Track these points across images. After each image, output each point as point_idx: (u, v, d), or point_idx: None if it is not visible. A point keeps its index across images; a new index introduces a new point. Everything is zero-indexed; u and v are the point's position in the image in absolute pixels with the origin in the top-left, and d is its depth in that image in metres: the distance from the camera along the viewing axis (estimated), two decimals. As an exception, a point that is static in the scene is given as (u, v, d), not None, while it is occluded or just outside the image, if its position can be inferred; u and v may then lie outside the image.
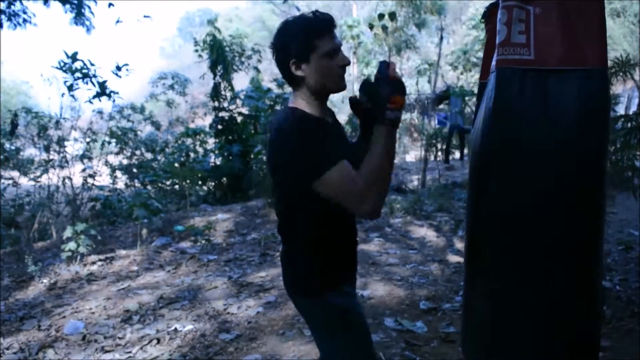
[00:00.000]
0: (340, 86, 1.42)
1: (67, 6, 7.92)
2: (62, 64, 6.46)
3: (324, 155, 1.30)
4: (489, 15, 1.80)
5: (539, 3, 1.53)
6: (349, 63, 1.41)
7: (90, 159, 7.83)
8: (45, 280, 4.28)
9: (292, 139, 1.33)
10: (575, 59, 1.50)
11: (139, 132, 9.67)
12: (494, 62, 1.63)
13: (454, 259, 4.53)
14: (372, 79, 1.42)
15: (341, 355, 1.50)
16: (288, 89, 8.53)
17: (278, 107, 7.62)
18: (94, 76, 6.64)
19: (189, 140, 9.59)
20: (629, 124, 3.26)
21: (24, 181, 7.59)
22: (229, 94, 8.95)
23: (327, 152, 1.31)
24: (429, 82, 14.76)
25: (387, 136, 1.32)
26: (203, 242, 5.20)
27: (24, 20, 7.81)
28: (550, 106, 1.52)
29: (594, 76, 1.50)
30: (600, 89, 1.51)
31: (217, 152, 9.07)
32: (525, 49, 1.53)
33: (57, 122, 7.32)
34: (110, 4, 7.20)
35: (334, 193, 1.31)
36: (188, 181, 8.16)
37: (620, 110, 9.15)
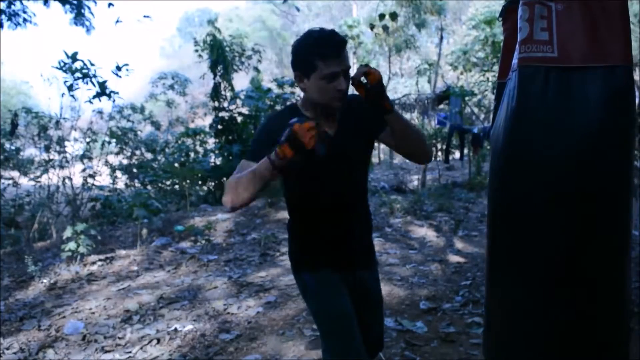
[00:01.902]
0: (334, 105, 1.51)
1: (67, 6, 7.92)
2: (62, 64, 6.46)
3: (253, 146, 1.55)
4: (506, 14, 1.77)
5: None
6: (344, 89, 1.48)
7: (90, 159, 7.83)
8: (45, 280, 4.28)
9: (260, 124, 1.63)
10: (598, 55, 1.46)
11: (139, 132, 9.67)
12: (515, 61, 1.59)
13: (454, 259, 4.53)
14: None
15: (317, 326, 1.68)
16: (288, 89, 8.57)
17: (278, 107, 7.61)
18: (94, 76, 6.64)
19: (189, 140, 9.58)
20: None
21: (24, 181, 7.59)
22: (229, 94, 8.94)
23: (255, 146, 1.53)
24: (429, 82, 14.77)
25: (259, 168, 1.39)
26: (203, 242, 5.20)
27: (24, 20, 7.81)
28: (575, 104, 1.48)
29: (618, 73, 1.46)
30: (625, 86, 1.47)
31: (217, 152, 9.06)
32: (548, 46, 1.50)
33: (57, 122, 7.32)
34: (110, 4, 7.19)
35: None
36: (188, 181, 8.16)
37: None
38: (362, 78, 1.47)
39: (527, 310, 1.61)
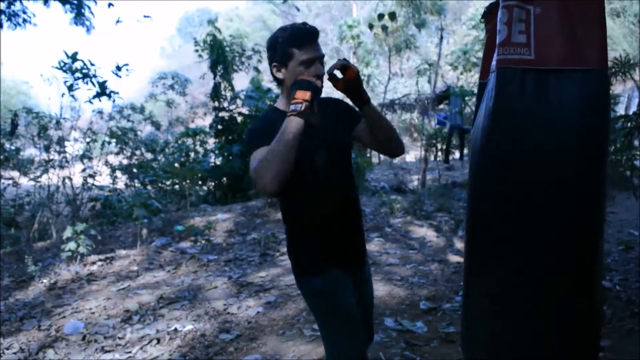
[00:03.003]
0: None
1: (67, 6, 7.92)
2: (62, 64, 6.46)
3: (254, 143, 1.56)
4: (488, 15, 1.80)
5: (539, 3, 1.53)
6: (322, 74, 1.57)
7: (90, 159, 7.82)
8: (45, 280, 4.28)
9: (247, 131, 1.64)
10: (575, 58, 1.49)
11: (139, 132, 9.66)
12: (494, 62, 1.63)
13: (454, 259, 4.53)
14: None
15: (323, 335, 1.68)
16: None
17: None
18: (94, 76, 6.64)
19: (189, 140, 9.58)
20: (629, 124, 3.26)
21: (24, 181, 7.59)
22: (229, 94, 8.94)
23: (257, 142, 1.54)
24: (429, 82, 14.76)
25: (284, 129, 1.46)
26: (203, 242, 5.21)
27: (24, 20, 7.81)
28: (551, 106, 1.52)
29: (594, 76, 1.49)
30: (601, 89, 1.51)
31: (217, 152, 9.07)
32: (525, 49, 1.53)
33: (57, 122, 7.32)
34: (110, 4, 7.20)
35: (252, 169, 1.51)
36: (188, 181, 8.16)
37: (620, 110, 9.15)
38: (338, 72, 1.55)
39: (503, 310, 1.65)
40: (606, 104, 1.55)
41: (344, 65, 1.53)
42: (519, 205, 1.58)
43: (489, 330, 1.71)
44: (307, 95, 1.46)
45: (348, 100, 1.73)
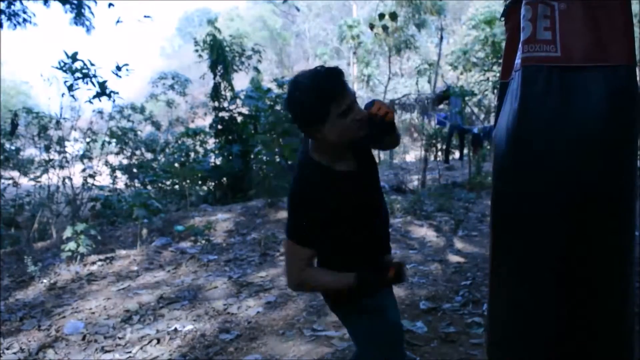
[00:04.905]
0: (359, 136, 1.45)
1: (67, 6, 7.93)
2: (62, 64, 6.46)
3: (297, 224, 1.49)
4: (508, 14, 1.77)
5: None
6: (365, 116, 1.43)
7: (90, 159, 7.83)
8: (45, 280, 4.28)
9: (292, 196, 1.52)
10: (600, 55, 1.46)
11: (139, 132, 9.68)
12: (518, 60, 1.59)
13: (454, 259, 4.52)
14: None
15: (369, 342, 1.67)
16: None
17: (278, 107, 7.60)
18: (94, 76, 6.64)
19: (189, 140, 9.59)
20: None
21: (24, 181, 7.59)
22: (229, 94, 8.94)
23: (300, 225, 1.48)
24: (429, 82, 14.76)
25: (340, 286, 1.52)
26: (203, 242, 5.20)
27: (24, 20, 7.82)
28: (578, 104, 1.48)
29: (620, 73, 1.46)
30: (627, 86, 1.47)
31: (217, 152, 9.07)
32: (551, 46, 1.49)
33: (57, 122, 7.33)
34: (110, 4, 7.19)
35: (284, 255, 1.58)
36: (188, 181, 8.16)
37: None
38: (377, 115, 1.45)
39: (530, 310, 1.61)
40: (634, 100, 1.50)
41: (386, 111, 1.44)
42: (544, 205, 1.55)
43: (514, 338, 1.68)
44: (363, 287, 1.50)
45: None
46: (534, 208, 1.57)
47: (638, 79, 1.56)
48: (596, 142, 1.49)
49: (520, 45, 1.56)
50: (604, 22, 1.46)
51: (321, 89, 1.36)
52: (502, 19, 1.82)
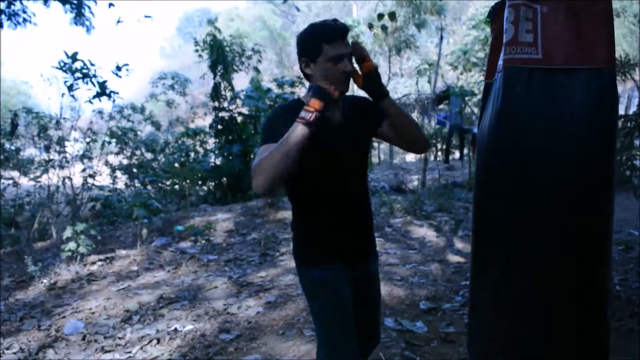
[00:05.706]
0: (340, 89, 1.55)
1: (67, 6, 7.92)
2: (62, 64, 6.45)
3: (266, 138, 1.54)
4: (495, 15, 1.79)
5: (546, 2, 1.52)
6: (351, 70, 1.56)
7: (90, 159, 7.82)
8: (45, 280, 4.28)
9: (266, 119, 1.65)
10: (582, 57, 1.49)
11: (139, 132, 9.66)
12: (500, 62, 1.61)
13: (454, 259, 4.53)
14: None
15: (315, 328, 1.68)
16: (288, 89, 8.57)
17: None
18: (94, 76, 6.63)
19: (189, 140, 9.58)
20: (629, 124, 3.26)
21: (24, 181, 7.59)
22: (229, 94, 8.93)
23: (269, 136, 1.52)
24: (429, 82, 14.76)
25: (291, 134, 1.46)
26: (203, 242, 5.21)
27: (24, 20, 7.81)
28: (558, 105, 1.51)
29: (601, 75, 1.49)
30: (608, 88, 1.49)
31: (217, 152, 9.06)
32: (532, 48, 1.52)
33: (57, 122, 7.32)
34: (110, 4, 7.20)
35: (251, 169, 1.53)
36: (188, 181, 8.16)
37: (620, 110, 9.15)
38: (356, 66, 1.57)
39: (511, 306, 1.64)
40: (614, 102, 1.53)
41: (362, 57, 1.55)
42: (526, 205, 1.57)
43: (496, 333, 1.69)
44: (319, 104, 1.46)
45: None
46: (515, 206, 1.59)
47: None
48: (578, 141, 1.52)
49: (503, 47, 1.58)
50: (586, 25, 1.49)
51: (320, 29, 1.56)
52: (489, 19, 1.84)
